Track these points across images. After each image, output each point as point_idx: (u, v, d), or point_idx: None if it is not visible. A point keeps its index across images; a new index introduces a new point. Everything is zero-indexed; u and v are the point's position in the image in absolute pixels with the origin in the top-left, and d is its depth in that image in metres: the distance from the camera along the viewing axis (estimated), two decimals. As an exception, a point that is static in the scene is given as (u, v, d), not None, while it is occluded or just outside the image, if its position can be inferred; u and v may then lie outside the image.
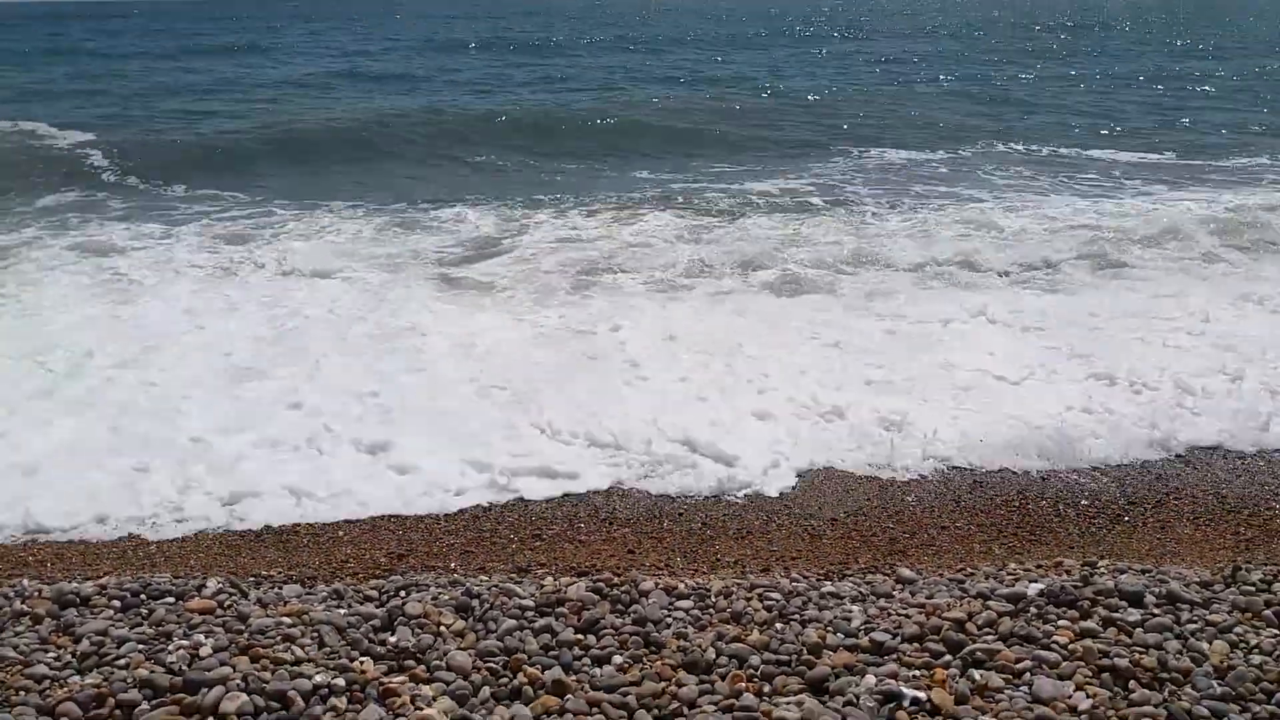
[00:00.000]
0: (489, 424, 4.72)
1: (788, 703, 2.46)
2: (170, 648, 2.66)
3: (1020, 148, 13.46)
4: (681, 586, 3.09)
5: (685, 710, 2.46)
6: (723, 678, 2.59)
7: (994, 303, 6.64)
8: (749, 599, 3.00)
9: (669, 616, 2.91)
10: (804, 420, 4.80)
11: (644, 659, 2.70)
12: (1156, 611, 2.88)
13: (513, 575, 3.39)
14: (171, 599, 2.96)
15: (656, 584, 3.09)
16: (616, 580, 3.13)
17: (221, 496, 4.04)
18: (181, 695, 2.46)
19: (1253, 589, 3.05)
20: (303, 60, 20.96)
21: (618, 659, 2.69)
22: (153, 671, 2.55)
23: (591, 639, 2.79)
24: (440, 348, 5.77)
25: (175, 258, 7.78)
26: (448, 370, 5.44)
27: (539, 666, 2.64)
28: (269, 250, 7.97)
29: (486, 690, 2.55)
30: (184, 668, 2.57)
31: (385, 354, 5.66)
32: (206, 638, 2.72)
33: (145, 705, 2.43)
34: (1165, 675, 2.57)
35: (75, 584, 3.05)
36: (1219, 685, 2.52)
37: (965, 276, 7.46)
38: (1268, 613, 2.86)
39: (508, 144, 12.98)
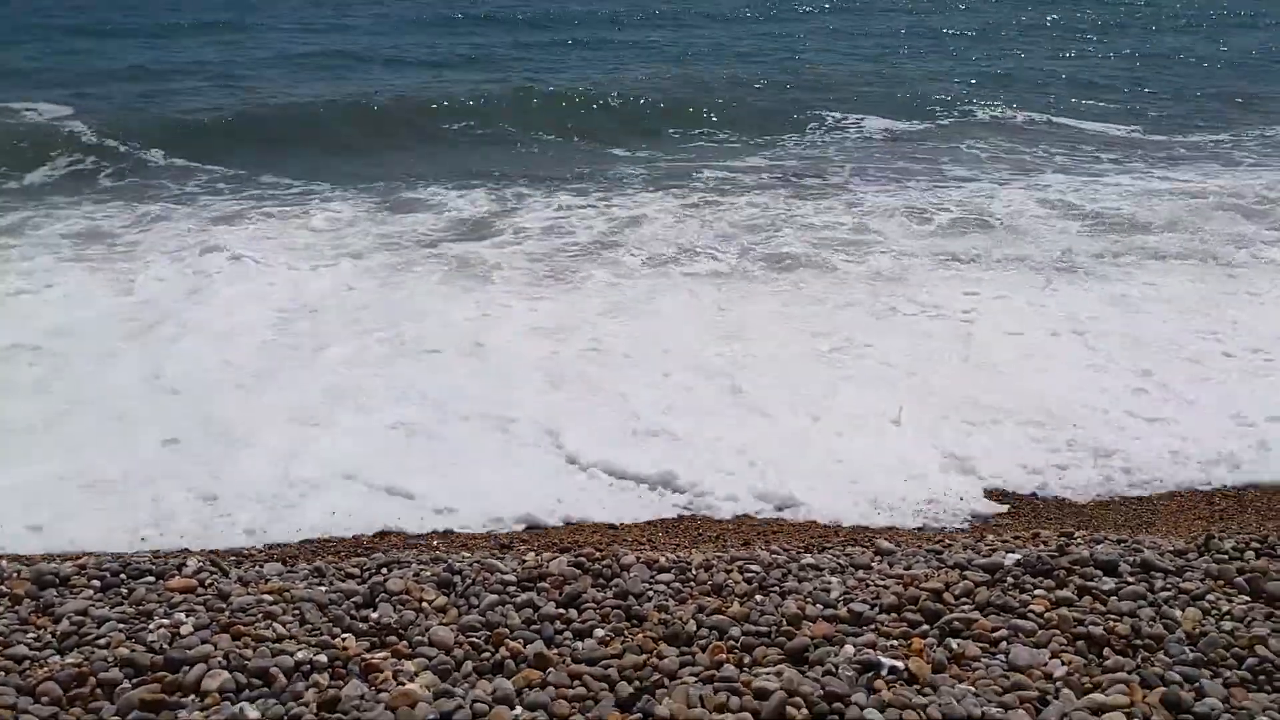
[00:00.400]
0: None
1: (767, 673, 2.48)
2: (151, 626, 2.66)
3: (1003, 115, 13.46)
4: (662, 560, 3.11)
5: (666, 681, 2.47)
6: (703, 649, 2.61)
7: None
8: (729, 572, 3.03)
9: (650, 590, 2.93)
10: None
11: (625, 632, 2.72)
12: (1131, 580, 2.92)
13: (495, 552, 3.41)
14: (152, 578, 2.95)
15: (638, 558, 3.11)
16: (598, 555, 3.14)
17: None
18: (163, 674, 2.46)
19: (1225, 557, 3.09)
20: (286, 38, 20.61)
21: (599, 632, 2.71)
22: (133, 650, 2.54)
23: (573, 613, 2.80)
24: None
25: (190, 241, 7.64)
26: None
27: (521, 640, 2.65)
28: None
29: (469, 664, 2.56)
30: (165, 646, 2.57)
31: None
32: (188, 616, 2.72)
33: (126, 684, 2.43)
34: (1139, 642, 2.61)
35: (55, 564, 3.04)
36: (1191, 651, 2.56)
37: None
38: (1239, 580, 2.91)
39: (485, 124, 12.81)
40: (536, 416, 4.62)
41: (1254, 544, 3.19)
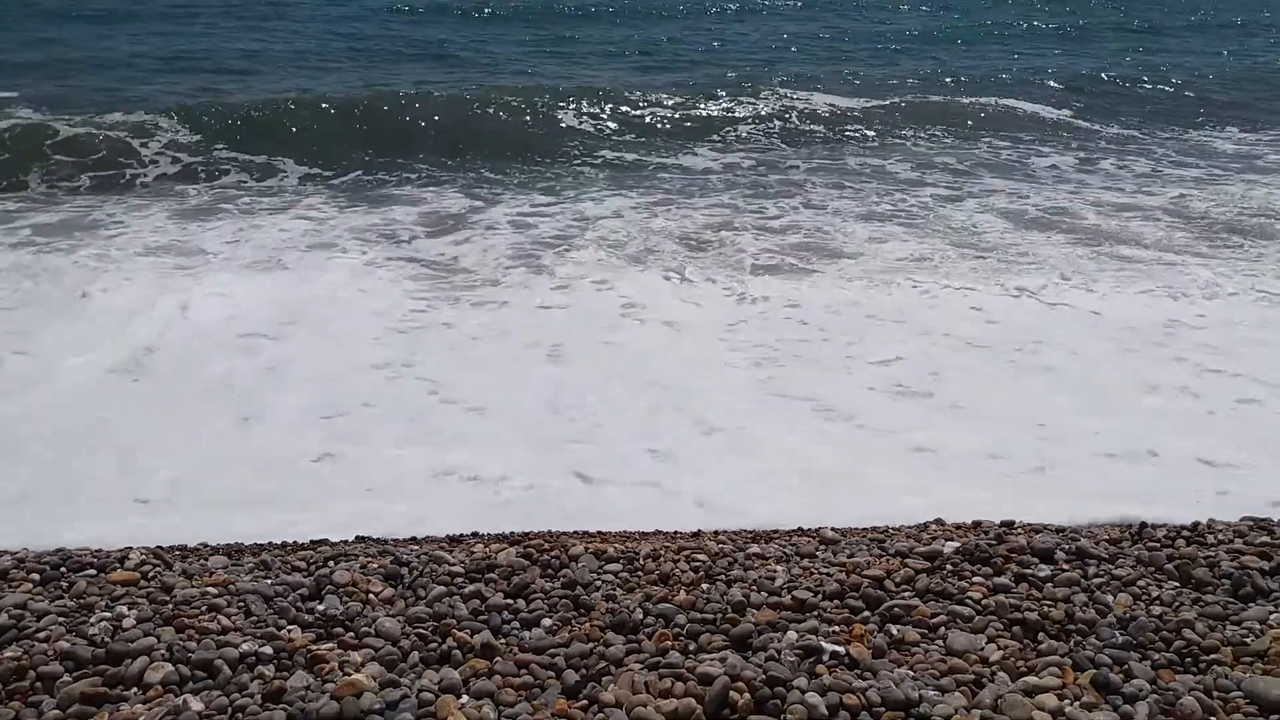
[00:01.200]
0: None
1: (712, 659, 2.52)
2: (92, 620, 2.63)
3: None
4: (610, 550, 3.13)
5: (612, 669, 2.50)
6: (650, 637, 2.64)
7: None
8: (676, 561, 3.06)
9: (598, 580, 2.95)
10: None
11: (573, 621, 2.74)
12: (1066, 567, 3.01)
13: (442, 545, 3.41)
14: (93, 571, 2.92)
15: (586, 548, 3.14)
16: (546, 546, 3.16)
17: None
18: (105, 666, 2.44)
19: (1156, 545, 3.19)
20: (266, 36, 20.14)
21: (547, 621, 2.73)
22: (74, 644, 2.52)
23: (521, 603, 2.82)
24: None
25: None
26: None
27: (468, 631, 2.66)
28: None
29: (415, 655, 2.57)
30: (106, 639, 2.54)
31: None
32: (130, 609, 2.69)
33: (67, 677, 2.41)
34: (1072, 627, 2.69)
35: (-8, 558, 2.99)
36: (1121, 635, 2.65)
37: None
38: (1169, 566, 3.00)
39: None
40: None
41: (1185, 532, 3.30)
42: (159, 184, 9.46)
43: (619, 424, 4.55)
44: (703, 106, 13.18)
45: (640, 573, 3.01)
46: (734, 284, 6.60)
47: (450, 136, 11.34)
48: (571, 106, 12.65)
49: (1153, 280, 6.82)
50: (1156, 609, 2.78)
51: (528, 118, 12.26)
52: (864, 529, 3.50)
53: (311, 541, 3.52)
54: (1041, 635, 2.66)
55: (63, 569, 2.94)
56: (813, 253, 7.37)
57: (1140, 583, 2.92)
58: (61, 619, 2.65)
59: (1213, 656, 2.55)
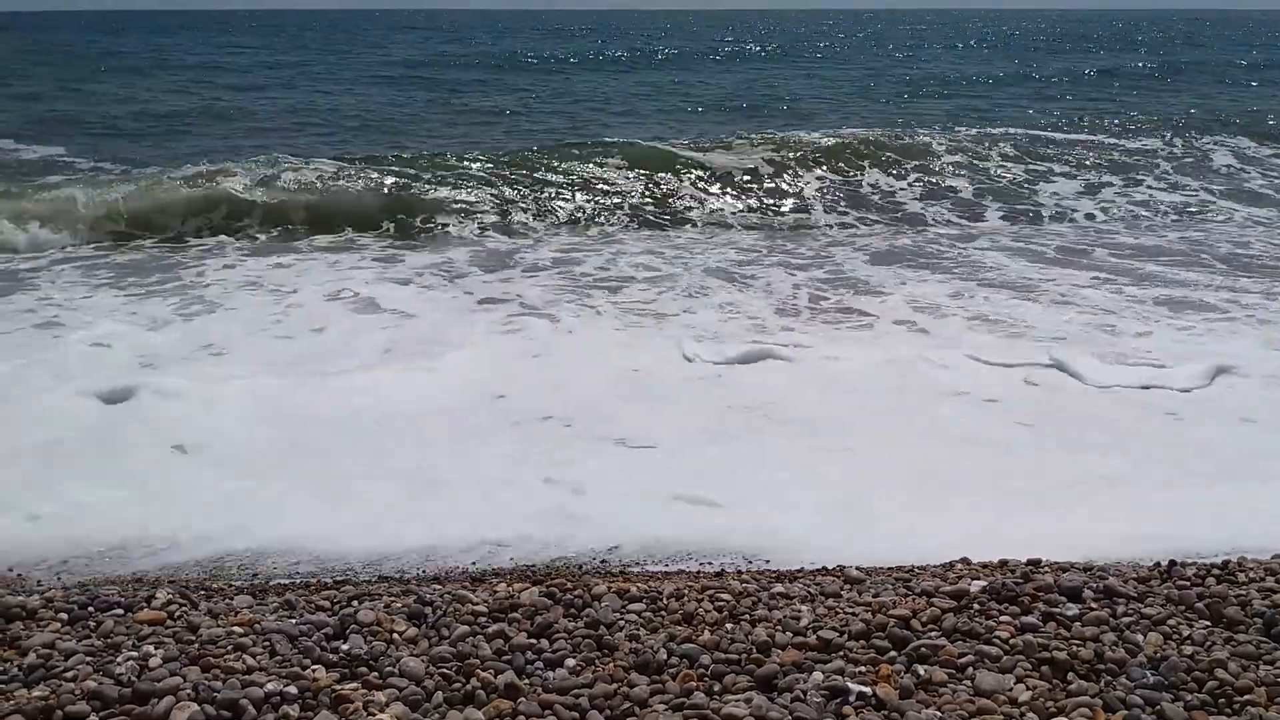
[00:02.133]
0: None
1: (737, 700, 2.50)
2: (119, 659, 2.65)
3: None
4: (634, 590, 3.13)
5: (637, 710, 2.49)
6: (674, 677, 2.63)
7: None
8: (700, 600, 3.05)
9: (622, 619, 2.94)
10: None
11: (596, 661, 2.73)
12: (1094, 606, 2.97)
13: (465, 584, 3.41)
14: (120, 610, 2.94)
15: (609, 588, 3.13)
16: (570, 585, 3.16)
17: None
18: (131, 706, 2.45)
19: (1186, 583, 3.15)
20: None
21: (570, 662, 2.72)
22: (101, 683, 2.53)
23: (545, 643, 2.81)
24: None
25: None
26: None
27: (492, 671, 2.66)
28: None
29: (439, 695, 2.56)
30: (133, 679, 2.55)
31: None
32: (156, 649, 2.70)
33: (94, 716, 2.42)
34: (1102, 667, 2.66)
35: (21, 597, 3.01)
36: (1153, 675, 2.61)
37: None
38: (1200, 605, 2.97)
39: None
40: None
41: (1215, 570, 3.26)
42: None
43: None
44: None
45: (664, 612, 3.00)
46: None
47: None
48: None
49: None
50: (1188, 649, 2.74)
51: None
52: (890, 568, 3.47)
53: (335, 581, 3.53)
54: (1071, 675, 2.63)
55: (90, 608, 2.96)
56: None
57: (1170, 622, 2.88)
58: (89, 658, 2.66)
59: (1246, 697, 2.51)
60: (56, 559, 3.64)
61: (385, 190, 11.21)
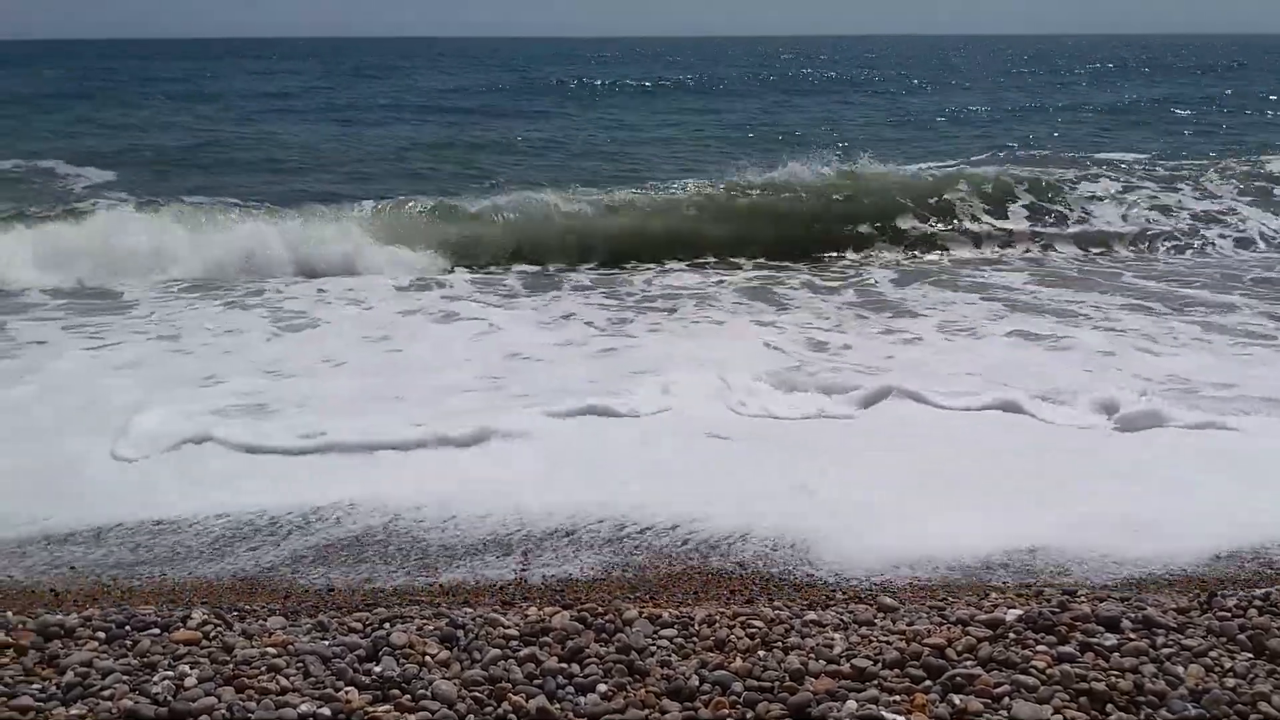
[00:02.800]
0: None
1: (770, 728, 2.48)
2: (155, 678, 2.67)
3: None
4: (665, 615, 3.12)
5: (669, 736, 2.48)
6: (706, 704, 2.61)
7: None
8: (732, 627, 3.03)
9: (653, 645, 2.93)
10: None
11: (628, 687, 2.72)
12: (1133, 636, 2.93)
13: (496, 607, 3.41)
14: (156, 630, 2.96)
15: (640, 613, 3.12)
16: (601, 610, 3.15)
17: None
18: (167, 725, 2.47)
19: (1227, 614, 3.10)
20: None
21: (602, 687, 2.71)
22: (137, 702, 2.55)
23: (576, 667, 2.81)
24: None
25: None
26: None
27: (523, 695, 2.65)
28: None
29: (471, 718, 2.56)
30: (169, 698, 2.58)
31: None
32: (192, 668, 2.73)
33: (130, 735, 2.44)
34: (1141, 699, 2.62)
35: (59, 615, 3.05)
36: (1194, 708, 2.56)
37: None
38: (1241, 637, 2.92)
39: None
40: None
41: (1257, 601, 3.20)
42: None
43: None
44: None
45: (695, 638, 2.99)
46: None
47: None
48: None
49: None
50: (1230, 681, 2.69)
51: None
52: (925, 594, 3.44)
53: (365, 604, 3.55)
54: (1110, 707, 2.59)
55: (127, 627, 2.99)
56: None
57: (1212, 654, 2.83)
58: (125, 677, 2.69)
59: (1291, 732, 2.46)
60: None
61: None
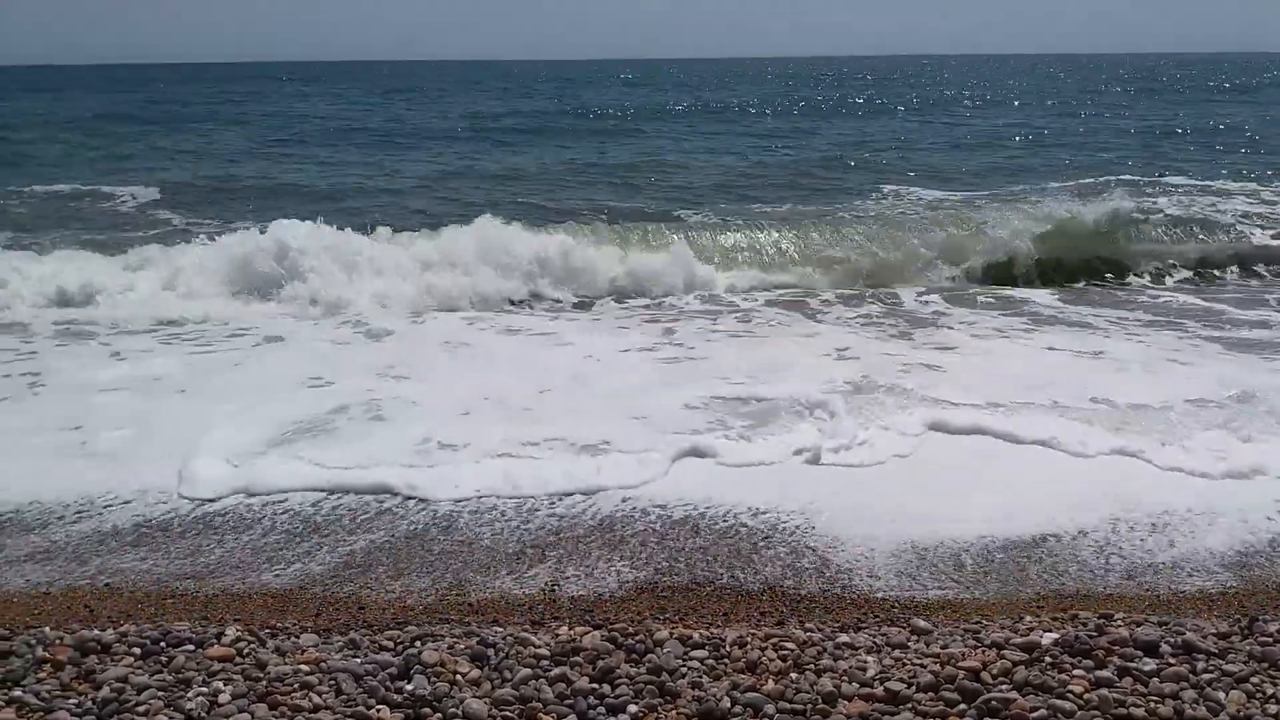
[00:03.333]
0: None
1: (803, 750, 2.46)
2: (190, 694, 2.69)
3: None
4: (696, 636, 3.10)
5: (700, 758, 2.46)
6: (738, 726, 2.59)
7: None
8: (764, 649, 3.01)
9: (684, 666, 2.92)
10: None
11: (659, 708, 2.71)
12: (1172, 661, 2.88)
13: (526, 626, 3.41)
14: (191, 646, 2.99)
15: (671, 633, 3.11)
16: (631, 630, 3.14)
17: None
18: (201, 741, 2.48)
19: (1269, 640, 3.04)
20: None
21: (633, 708, 2.70)
22: (172, 718, 2.57)
23: (606, 688, 2.80)
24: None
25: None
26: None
27: (554, 715, 2.65)
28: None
29: (502, 738, 2.56)
30: (203, 714, 2.59)
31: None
32: (226, 685, 2.75)
33: (165, 751, 2.46)
34: (1182, 725, 2.57)
35: (96, 631, 3.08)
36: (1236, 735, 2.52)
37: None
38: (1284, 663, 2.86)
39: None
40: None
41: (1298, 627, 3.14)
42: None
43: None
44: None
45: (726, 660, 2.97)
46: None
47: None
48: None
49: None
50: (1272, 708, 2.64)
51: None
52: (955, 614, 3.40)
53: (396, 622, 3.55)
54: (1149, 733, 2.55)
55: (162, 643, 3.01)
56: None
57: (1254, 679, 2.78)
58: (161, 693, 2.71)
59: (1338, 761, 2.41)
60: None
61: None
